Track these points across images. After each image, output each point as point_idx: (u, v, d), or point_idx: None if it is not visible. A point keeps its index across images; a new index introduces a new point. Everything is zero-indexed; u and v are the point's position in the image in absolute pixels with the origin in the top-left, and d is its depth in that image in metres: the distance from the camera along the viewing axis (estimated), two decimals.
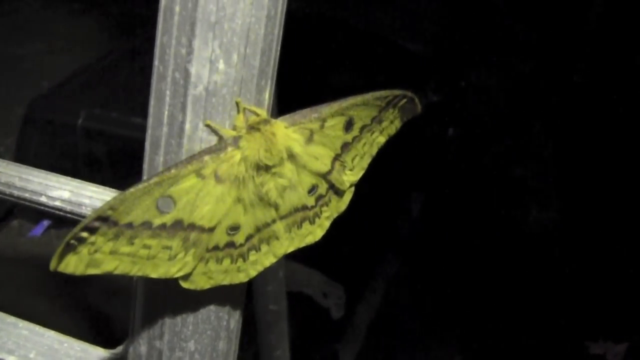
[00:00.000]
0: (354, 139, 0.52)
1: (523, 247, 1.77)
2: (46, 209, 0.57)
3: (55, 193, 0.56)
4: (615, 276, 1.62)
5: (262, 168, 0.48)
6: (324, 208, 0.52)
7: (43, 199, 0.56)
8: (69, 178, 0.58)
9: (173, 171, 0.46)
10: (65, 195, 0.56)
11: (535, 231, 1.80)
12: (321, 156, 0.50)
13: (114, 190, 0.55)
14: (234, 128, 0.49)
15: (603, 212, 1.75)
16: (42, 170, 0.59)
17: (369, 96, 0.51)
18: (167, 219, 0.46)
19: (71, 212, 0.56)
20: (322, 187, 0.51)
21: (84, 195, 0.55)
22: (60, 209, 0.56)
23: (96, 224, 0.44)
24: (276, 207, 0.50)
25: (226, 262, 0.49)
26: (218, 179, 0.47)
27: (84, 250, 0.44)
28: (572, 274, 1.65)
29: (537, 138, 2.03)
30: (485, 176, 1.92)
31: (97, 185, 0.57)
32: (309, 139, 0.50)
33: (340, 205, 0.53)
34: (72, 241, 0.43)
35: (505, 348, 1.55)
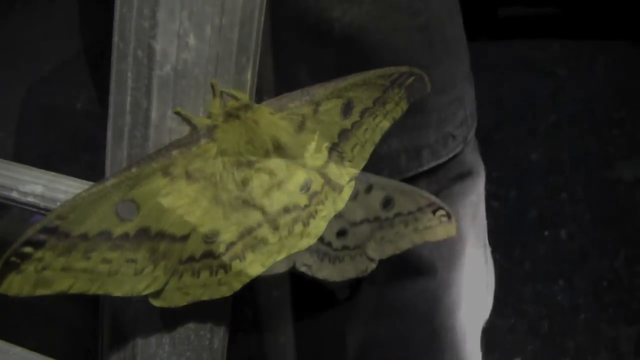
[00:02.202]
0: (353, 125, 0.42)
1: None
2: (18, 205, 0.47)
3: (27, 188, 0.46)
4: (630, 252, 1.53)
5: (244, 163, 0.38)
6: (320, 207, 0.41)
7: (14, 195, 0.46)
8: (43, 171, 0.47)
9: (134, 170, 0.36)
10: (38, 190, 0.46)
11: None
12: (315, 147, 0.40)
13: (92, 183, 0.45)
14: (209, 116, 0.38)
15: None
16: (13, 163, 0.49)
17: (370, 74, 0.40)
18: (130, 227, 0.37)
19: (45, 209, 0.46)
20: (317, 183, 0.41)
21: (59, 190, 0.45)
22: (33, 205, 0.46)
23: (42, 236, 0.35)
24: (262, 209, 0.39)
25: (204, 274, 0.39)
26: (190, 178, 0.37)
27: (29, 268, 0.35)
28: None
29: None
30: None
31: (74, 179, 0.47)
32: (300, 127, 0.40)
33: (339, 202, 0.42)
34: (13, 258, 0.34)
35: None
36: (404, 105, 0.42)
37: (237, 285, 0.40)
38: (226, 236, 0.39)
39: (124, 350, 0.42)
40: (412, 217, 0.37)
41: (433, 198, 0.36)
